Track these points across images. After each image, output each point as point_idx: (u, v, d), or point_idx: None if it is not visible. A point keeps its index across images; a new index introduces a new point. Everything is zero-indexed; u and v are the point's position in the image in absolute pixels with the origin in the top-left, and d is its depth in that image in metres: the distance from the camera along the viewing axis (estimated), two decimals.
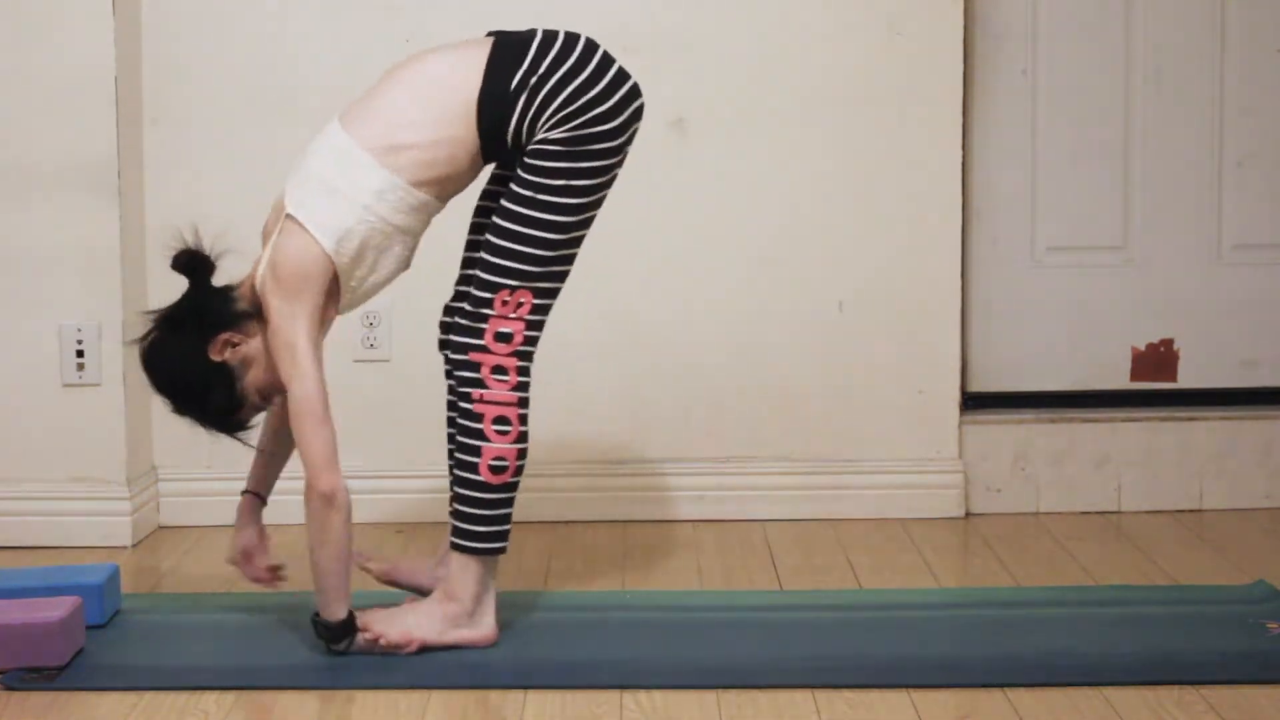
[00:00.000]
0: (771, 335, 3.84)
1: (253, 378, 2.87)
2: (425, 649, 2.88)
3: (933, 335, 3.85)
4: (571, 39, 2.90)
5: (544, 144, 2.84)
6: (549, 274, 2.88)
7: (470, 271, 2.97)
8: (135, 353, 3.64)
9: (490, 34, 2.96)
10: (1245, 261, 3.98)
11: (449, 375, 3.05)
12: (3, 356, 3.64)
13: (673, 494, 3.85)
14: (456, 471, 2.89)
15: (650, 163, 3.79)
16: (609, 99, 2.86)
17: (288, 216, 2.82)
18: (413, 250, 2.92)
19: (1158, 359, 3.98)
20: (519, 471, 2.89)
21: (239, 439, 2.94)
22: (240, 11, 3.76)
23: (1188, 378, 3.99)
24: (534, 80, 2.84)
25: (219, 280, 2.89)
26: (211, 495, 3.73)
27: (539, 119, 2.83)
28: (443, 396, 3.08)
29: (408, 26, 3.75)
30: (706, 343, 3.84)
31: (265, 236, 2.89)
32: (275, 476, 3.10)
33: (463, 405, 2.88)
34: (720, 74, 3.79)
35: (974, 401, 3.96)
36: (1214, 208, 3.97)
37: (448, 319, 3.04)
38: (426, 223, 2.90)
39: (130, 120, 3.68)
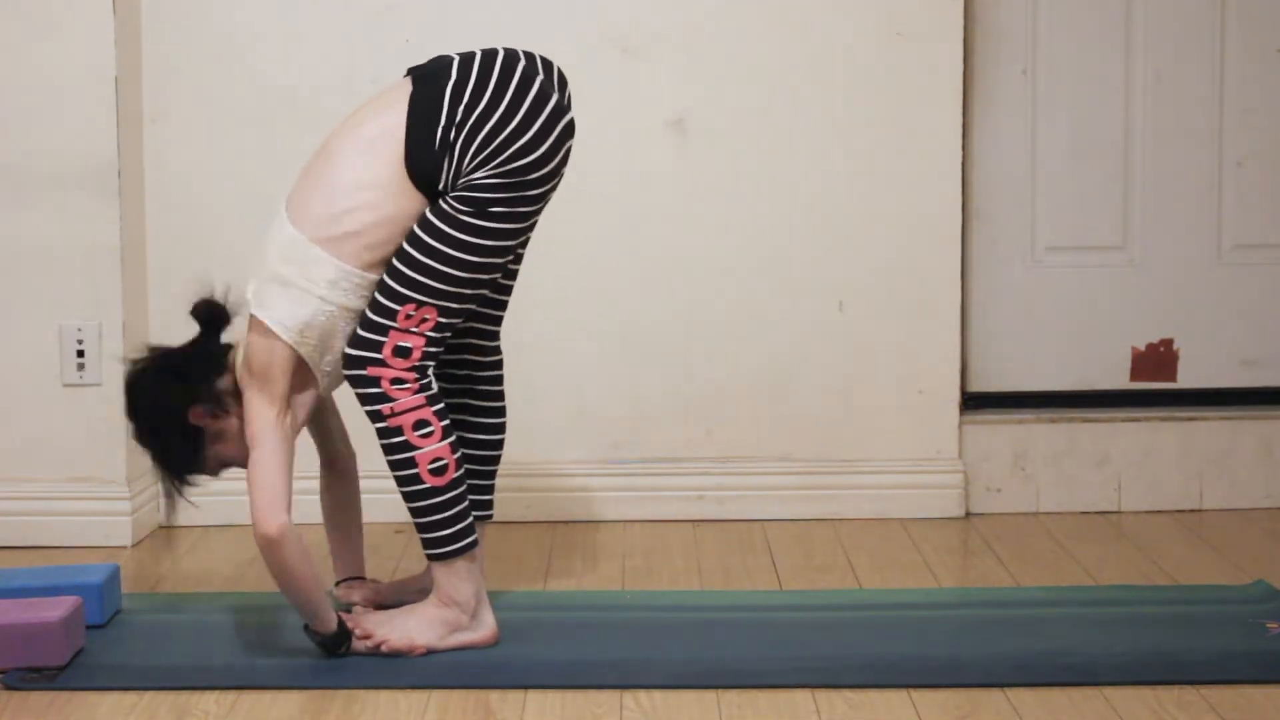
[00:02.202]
0: (771, 335, 3.84)
1: (219, 450, 2.91)
2: (429, 653, 2.88)
3: (933, 335, 3.85)
4: (488, 64, 2.84)
5: (473, 184, 2.80)
6: (460, 295, 2.84)
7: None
8: (135, 352, 3.66)
9: (410, 70, 2.92)
10: (1245, 261, 3.98)
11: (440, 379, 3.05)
12: (3, 356, 3.64)
13: (672, 494, 3.85)
14: (402, 489, 2.87)
15: (650, 163, 3.80)
16: (529, 129, 2.80)
17: (251, 315, 2.84)
18: None
19: (1158, 359, 3.98)
20: (460, 465, 2.87)
21: (180, 485, 2.98)
22: (240, 12, 3.76)
23: (1188, 378, 3.99)
24: (453, 133, 2.79)
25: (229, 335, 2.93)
26: (211, 495, 3.72)
27: (463, 165, 2.80)
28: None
29: (408, 27, 3.75)
30: (706, 342, 3.84)
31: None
32: (358, 550, 3.16)
33: (378, 425, 2.84)
34: (720, 74, 3.79)
35: (974, 401, 3.96)
36: (1214, 208, 3.97)
37: None
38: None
39: (130, 120, 3.68)
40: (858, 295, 3.84)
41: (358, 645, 2.87)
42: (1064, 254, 3.97)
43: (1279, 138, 3.96)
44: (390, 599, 3.08)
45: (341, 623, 2.85)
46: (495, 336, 3.08)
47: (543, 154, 2.82)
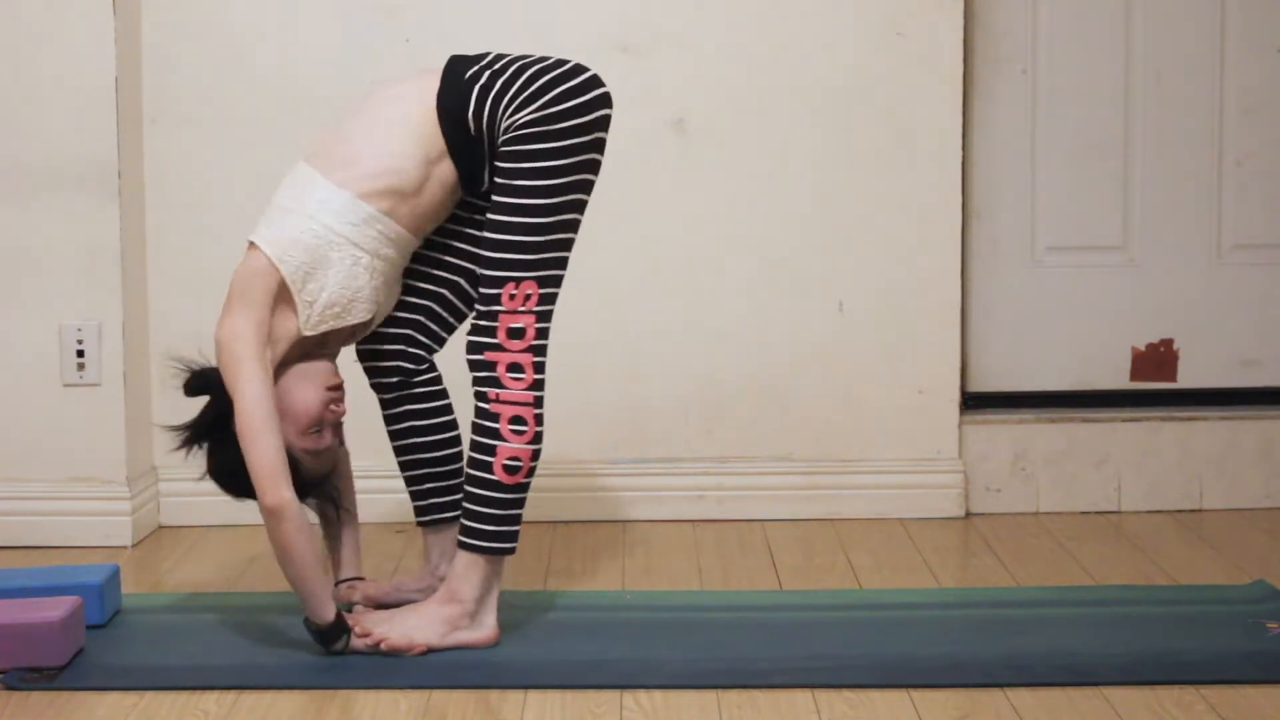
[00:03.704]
0: (771, 335, 3.84)
1: (289, 439, 2.86)
2: (428, 652, 2.88)
3: (933, 335, 3.85)
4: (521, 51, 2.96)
5: (513, 130, 2.85)
6: (547, 260, 2.88)
7: (416, 300, 3.00)
8: (135, 352, 3.66)
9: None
10: (1245, 261, 3.98)
11: (375, 388, 3.07)
12: (3, 356, 3.64)
13: (673, 494, 3.85)
14: (470, 470, 2.89)
15: (650, 163, 3.80)
16: (570, 79, 2.88)
17: (249, 243, 2.87)
18: (381, 283, 2.90)
19: (1158, 359, 3.98)
20: (532, 472, 2.90)
21: (324, 494, 2.99)
22: (240, 12, 3.76)
23: (1188, 378, 3.99)
24: (486, 75, 2.87)
25: None
26: (212, 495, 3.70)
27: (500, 104, 2.85)
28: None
29: (408, 27, 3.75)
30: (706, 342, 3.84)
31: None
32: (356, 549, 3.16)
33: (479, 405, 2.88)
34: (720, 74, 3.80)
35: (974, 401, 3.96)
36: (1214, 208, 3.97)
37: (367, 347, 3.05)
38: (390, 250, 2.89)
39: (130, 120, 3.68)
40: (858, 295, 3.84)
41: (357, 644, 2.87)
42: (1064, 254, 3.97)
43: (1279, 138, 3.96)
44: (390, 598, 3.09)
45: (340, 617, 2.85)
46: (429, 349, 3.06)
47: (583, 102, 2.88)
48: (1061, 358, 3.98)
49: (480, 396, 2.88)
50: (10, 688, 2.76)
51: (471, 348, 2.89)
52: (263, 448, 2.76)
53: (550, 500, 3.81)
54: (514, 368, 2.87)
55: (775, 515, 3.84)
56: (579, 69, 2.91)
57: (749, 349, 3.84)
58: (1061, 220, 3.96)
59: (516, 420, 2.87)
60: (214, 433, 2.88)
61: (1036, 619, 3.07)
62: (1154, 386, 3.99)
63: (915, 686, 2.75)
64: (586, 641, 2.97)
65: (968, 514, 3.87)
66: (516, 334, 2.87)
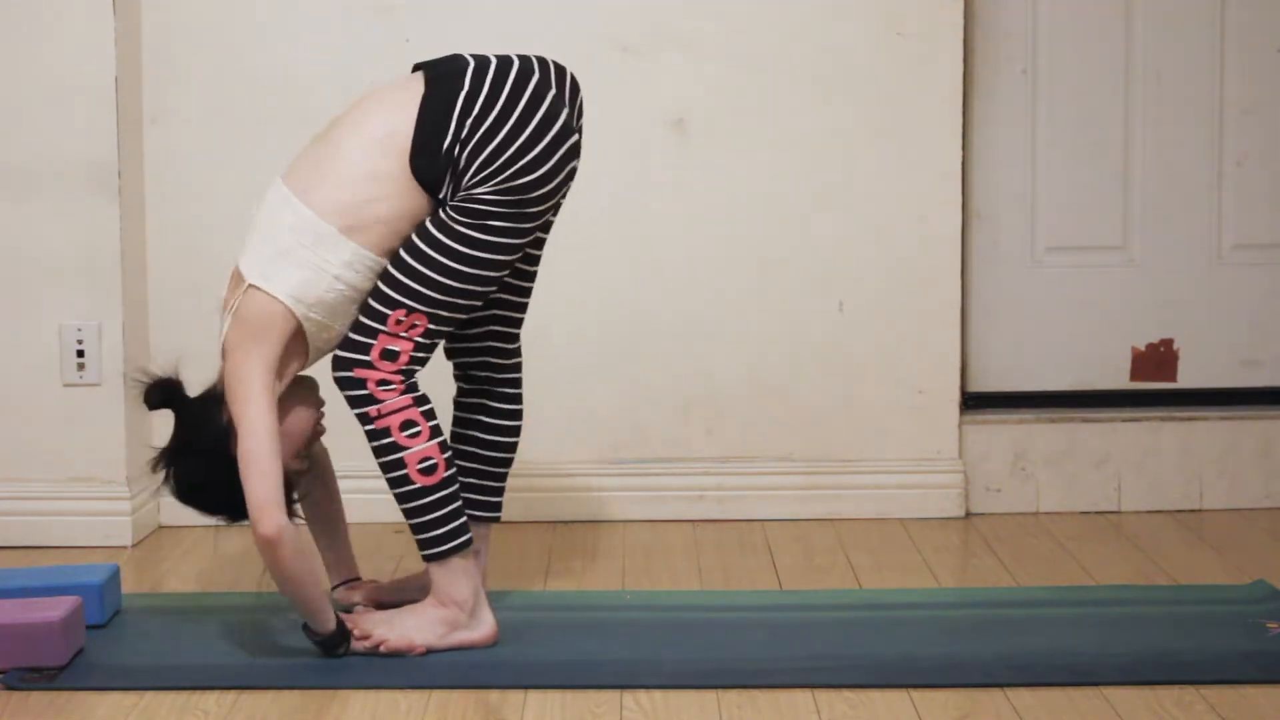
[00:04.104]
0: (771, 335, 3.84)
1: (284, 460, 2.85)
2: (428, 653, 2.88)
3: (933, 335, 3.85)
4: (501, 76, 2.85)
5: (473, 198, 2.82)
6: (452, 304, 2.85)
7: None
8: (135, 352, 3.66)
9: (422, 66, 2.94)
10: (1245, 261, 3.98)
11: (458, 379, 3.07)
12: (3, 356, 3.63)
13: (673, 494, 3.85)
14: (394, 490, 2.87)
15: (650, 163, 3.80)
16: (533, 149, 2.81)
17: (251, 286, 2.81)
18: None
19: (1158, 359, 3.98)
20: (450, 464, 2.87)
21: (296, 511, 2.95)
22: (240, 12, 3.75)
23: (1188, 378, 3.99)
24: (458, 148, 2.80)
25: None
26: None
27: (464, 179, 2.81)
28: (446, 400, 3.08)
29: (408, 27, 3.75)
30: (706, 342, 3.84)
31: (225, 307, 2.88)
32: (348, 548, 3.15)
33: (366, 428, 2.84)
34: (720, 74, 3.79)
35: (974, 401, 3.96)
36: (1214, 208, 3.97)
37: None
38: (371, 283, 2.87)
39: (130, 120, 3.68)
40: (858, 295, 3.84)
41: (357, 645, 2.87)
42: (1064, 254, 3.97)
43: (1279, 138, 3.96)
44: (390, 599, 3.08)
45: (341, 623, 2.85)
46: (515, 339, 3.08)
47: (545, 173, 2.83)
48: (1061, 358, 3.98)
49: (363, 418, 2.84)
50: (10, 688, 2.76)
51: (340, 363, 2.85)
52: (264, 480, 2.75)
53: (550, 500, 3.81)
54: (383, 383, 2.83)
55: (775, 515, 3.84)
56: (551, 117, 2.83)
57: (749, 349, 3.84)
58: (1061, 220, 3.96)
59: (407, 425, 2.84)
60: (185, 454, 2.87)
61: (1036, 619, 3.07)
62: (1154, 386, 3.99)
63: (915, 686, 2.75)
64: (586, 641, 2.97)
65: (968, 514, 3.87)
66: (390, 356, 2.83)
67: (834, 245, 3.83)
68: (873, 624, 3.06)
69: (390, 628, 2.89)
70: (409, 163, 2.81)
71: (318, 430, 2.95)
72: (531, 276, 3.05)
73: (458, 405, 3.09)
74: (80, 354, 3.63)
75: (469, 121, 2.81)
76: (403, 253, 2.83)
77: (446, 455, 2.87)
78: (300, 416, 2.90)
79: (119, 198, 3.62)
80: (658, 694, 2.73)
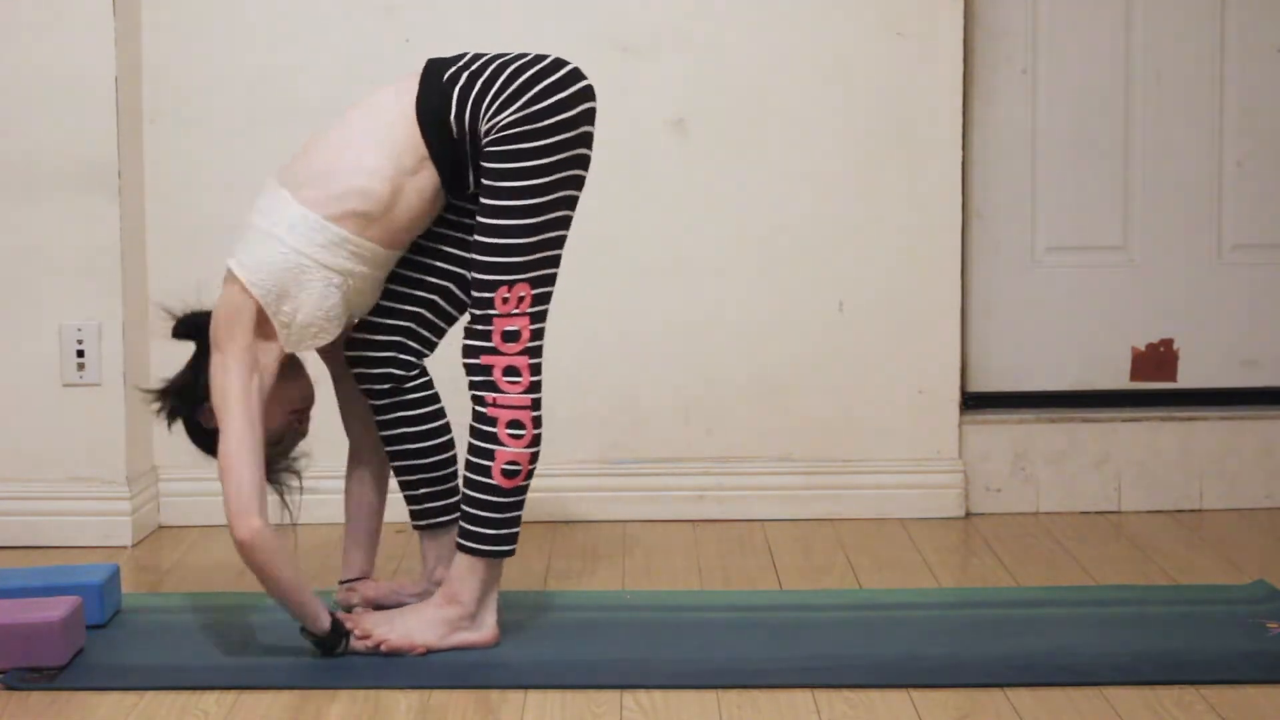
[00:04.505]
0: (771, 335, 3.84)
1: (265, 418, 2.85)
2: (428, 653, 2.88)
3: (933, 335, 3.85)
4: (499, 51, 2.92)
5: (496, 131, 2.83)
6: (538, 261, 2.86)
7: (405, 306, 2.98)
8: (135, 352, 3.67)
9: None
10: (1245, 261, 3.98)
11: (366, 394, 3.04)
12: (3, 356, 3.64)
13: (673, 494, 3.85)
14: (468, 474, 2.89)
15: (650, 163, 3.80)
16: (550, 75, 2.85)
17: (225, 278, 2.85)
18: (356, 296, 2.89)
19: (1158, 359, 3.98)
20: (531, 475, 2.89)
21: (285, 477, 2.96)
22: (240, 12, 3.76)
23: (1188, 378, 3.99)
24: (464, 76, 2.85)
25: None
26: (212, 495, 3.70)
27: (481, 105, 2.83)
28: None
29: (408, 27, 3.75)
30: (706, 342, 3.84)
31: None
32: (371, 548, 3.14)
33: (476, 409, 2.87)
34: (720, 74, 3.79)
35: (974, 401, 3.96)
36: (1214, 208, 3.97)
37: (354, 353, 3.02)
38: (364, 267, 2.86)
39: (130, 120, 3.68)
40: (858, 295, 3.84)
41: (358, 645, 2.87)
42: (1064, 254, 3.97)
43: (1279, 138, 3.96)
44: (389, 599, 3.08)
45: (337, 622, 2.85)
46: (420, 355, 3.03)
47: (566, 97, 2.85)
48: (1061, 358, 3.98)
49: (478, 401, 2.87)
50: (10, 688, 2.76)
51: (467, 351, 2.88)
52: (238, 481, 2.76)
53: (550, 500, 3.81)
54: (510, 371, 2.86)
55: (775, 515, 3.84)
56: (559, 63, 2.88)
57: (749, 349, 3.84)
58: (1061, 220, 3.96)
59: (514, 424, 2.87)
60: (191, 393, 2.90)
61: (1036, 619, 3.07)
62: (1154, 386, 3.99)
63: (915, 686, 2.75)
64: (586, 641, 2.97)
65: (968, 514, 3.87)
66: (512, 337, 2.86)
67: (834, 245, 3.83)
68: (873, 624, 3.06)
69: (391, 627, 2.89)
70: (413, 106, 2.84)
71: (296, 430, 2.96)
72: (460, 305, 3.02)
73: (379, 424, 3.05)
74: (80, 354, 3.63)
75: (476, 59, 2.87)
76: (476, 236, 2.85)
77: (533, 466, 2.89)
78: (271, 414, 2.88)
79: (119, 197, 3.62)
80: (658, 694, 2.73)
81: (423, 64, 2.93)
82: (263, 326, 2.83)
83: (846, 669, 2.81)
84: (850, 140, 3.81)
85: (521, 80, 2.84)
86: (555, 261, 2.90)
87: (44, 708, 2.70)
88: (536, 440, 2.88)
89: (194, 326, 2.92)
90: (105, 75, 3.59)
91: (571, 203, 2.91)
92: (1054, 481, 3.90)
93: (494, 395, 2.86)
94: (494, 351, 2.86)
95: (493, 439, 2.86)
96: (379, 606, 3.06)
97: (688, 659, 2.87)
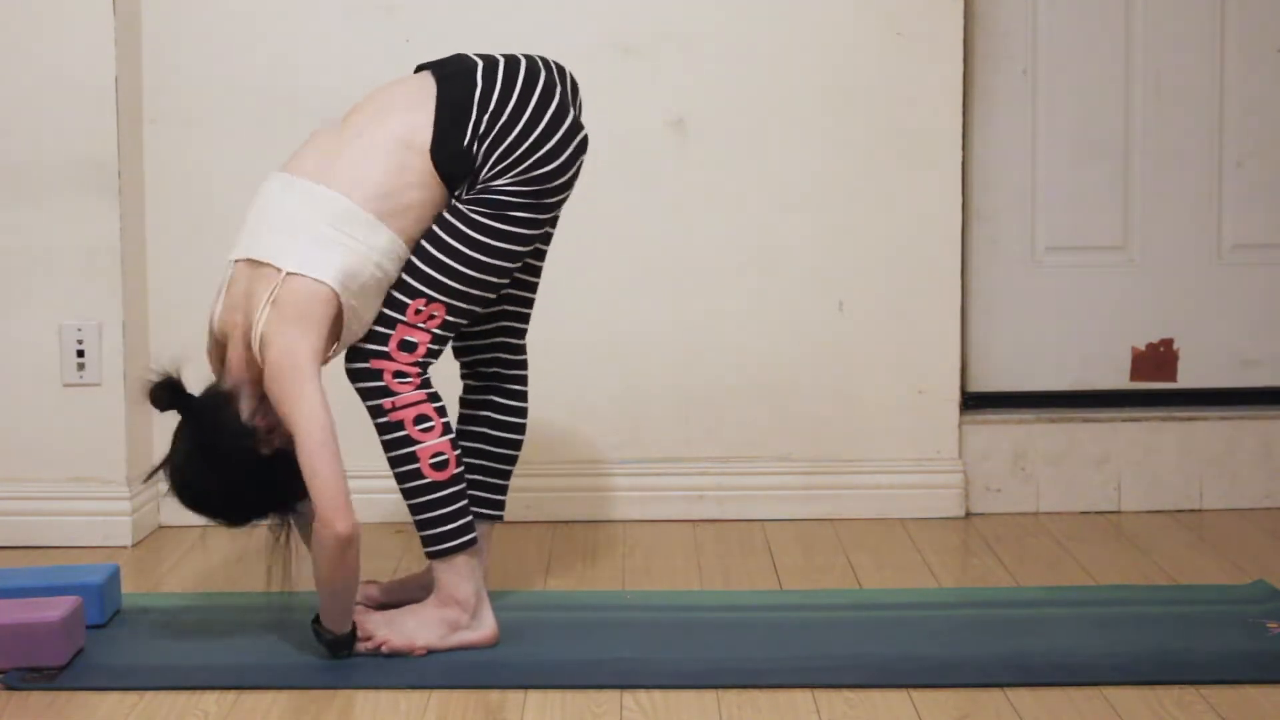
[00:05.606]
0: (771, 335, 3.84)
1: (279, 435, 2.83)
2: (429, 653, 2.88)
3: (933, 335, 3.85)
4: (511, 74, 2.89)
5: (492, 189, 2.85)
6: (470, 295, 2.87)
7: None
8: (135, 352, 3.66)
9: (428, 66, 2.96)
10: (1245, 261, 3.98)
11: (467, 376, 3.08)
12: (3, 356, 3.64)
13: (673, 494, 3.85)
14: (403, 485, 2.87)
15: (650, 163, 3.80)
16: (549, 140, 2.86)
17: (291, 274, 2.76)
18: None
19: (1158, 359, 3.98)
20: (459, 461, 2.88)
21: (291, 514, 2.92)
22: (240, 12, 3.76)
23: (1188, 378, 3.99)
24: (477, 144, 2.84)
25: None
26: None
27: (483, 172, 2.85)
28: (447, 398, 3.07)
29: (408, 27, 3.75)
30: (706, 342, 3.84)
31: (221, 324, 2.84)
32: None
33: (379, 420, 2.84)
34: (720, 74, 3.79)
35: (974, 401, 3.96)
36: (1214, 208, 3.97)
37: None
38: (397, 271, 2.88)
39: (130, 120, 3.68)
40: (858, 295, 3.84)
41: (359, 646, 2.87)
42: (1064, 254, 3.97)
43: (1279, 138, 3.96)
44: (391, 599, 3.08)
45: (353, 625, 2.86)
46: (523, 335, 3.11)
47: (561, 164, 2.87)
48: (1061, 358, 3.98)
49: (376, 411, 2.83)
50: (10, 688, 2.76)
51: (355, 354, 2.84)
52: (331, 477, 2.73)
53: (550, 500, 3.81)
54: (399, 375, 2.84)
55: (775, 515, 3.84)
56: (563, 111, 2.88)
57: (749, 348, 3.84)
58: (1061, 220, 3.96)
59: (420, 419, 2.84)
60: (201, 458, 2.83)
61: (1036, 619, 3.07)
62: (1154, 386, 3.99)
63: (915, 686, 2.75)
64: (586, 641, 2.97)
65: (968, 514, 3.87)
66: (408, 347, 2.84)
67: (834, 245, 3.83)
68: (873, 624, 3.06)
69: (391, 628, 2.89)
70: (430, 157, 2.83)
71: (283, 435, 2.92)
72: (538, 272, 3.07)
73: (464, 403, 3.10)
74: (80, 354, 3.63)
75: (486, 117, 2.85)
76: (424, 243, 2.85)
77: (457, 453, 2.87)
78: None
79: (119, 197, 3.62)
80: (658, 694, 2.73)
81: (428, 62, 2.94)
82: (331, 329, 2.80)
83: (846, 669, 2.81)
84: (850, 140, 3.81)
85: (525, 146, 2.84)
86: (485, 301, 2.91)
87: (44, 708, 2.70)
88: (448, 428, 2.86)
89: (178, 394, 2.82)
90: (105, 75, 3.59)
91: (534, 253, 2.98)
92: (1054, 481, 3.90)
93: (390, 399, 2.83)
94: (386, 356, 2.83)
95: (407, 440, 2.83)
96: (381, 606, 3.06)
97: (688, 659, 2.87)
